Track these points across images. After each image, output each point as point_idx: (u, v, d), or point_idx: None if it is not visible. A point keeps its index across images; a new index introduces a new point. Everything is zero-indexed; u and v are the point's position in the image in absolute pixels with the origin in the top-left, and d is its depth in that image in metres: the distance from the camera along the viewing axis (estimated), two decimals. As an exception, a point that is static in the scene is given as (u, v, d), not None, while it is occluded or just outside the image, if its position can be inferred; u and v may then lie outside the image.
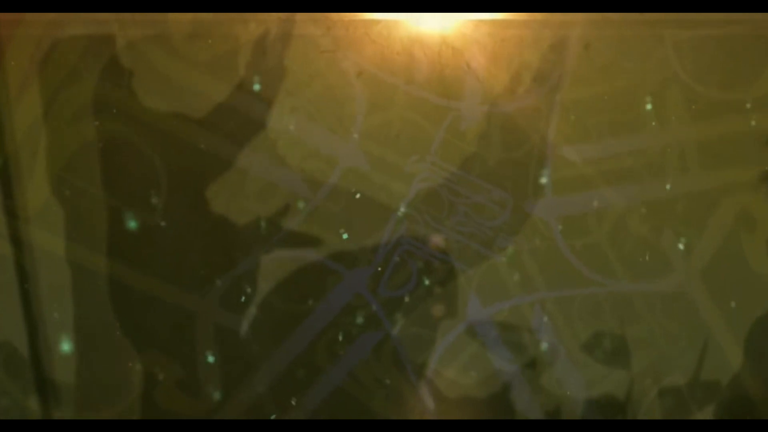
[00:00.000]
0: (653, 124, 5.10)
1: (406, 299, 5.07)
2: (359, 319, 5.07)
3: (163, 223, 5.00)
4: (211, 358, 5.01)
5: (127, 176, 5.00)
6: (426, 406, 5.05)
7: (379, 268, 5.08)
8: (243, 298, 5.04)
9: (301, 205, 5.05)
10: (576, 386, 5.09)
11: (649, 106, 5.10)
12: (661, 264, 5.11)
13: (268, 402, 5.04)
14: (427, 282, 5.08)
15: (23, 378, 5.02)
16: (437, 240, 5.08)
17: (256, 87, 5.00)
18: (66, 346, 5.01)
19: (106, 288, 4.98)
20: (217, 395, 5.02)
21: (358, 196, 5.06)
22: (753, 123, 5.08)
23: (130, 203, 5.00)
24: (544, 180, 5.08)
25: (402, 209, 5.08)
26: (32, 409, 5.02)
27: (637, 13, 4.95)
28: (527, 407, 5.06)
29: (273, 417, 5.02)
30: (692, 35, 5.09)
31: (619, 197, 5.11)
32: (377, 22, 4.99)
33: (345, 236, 5.03)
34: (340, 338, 5.06)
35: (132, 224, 4.99)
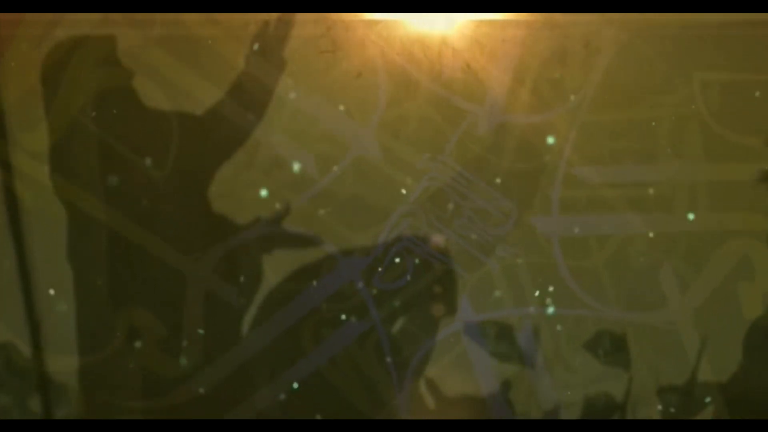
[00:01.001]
0: (669, 158, 5.11)
1: (399, 294, 5.07)
2: (348, 307, 5.07)
3: (169, 180, 5.00)
4: (196, 323, 5.01)
5: (139, 128, 5.01)
6: (400, 402, 5.05)
7: (377, 263, 5.08)
8: (237, 269, 5.04)
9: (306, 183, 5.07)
10: (550, 404, 5.09)
11: (666, 142, 5.12)
12: (655, 297, 5.11)
13: (245, 374, 5.03)
14: (421, 280, 5.08)
15: (25, 377, 5.02)
16: (438, 240, 5.08)
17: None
18: (53, 291, 5.02)
19: (103, 235, 4.98)
20: (196, 361, 5.01)
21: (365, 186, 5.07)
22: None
23: (141, 154, 5.00)
24: (552, 196, 5.09)
25: (407, 205, 5.08)
26: (33, 409, 5.04)
27: (640, 13, 4.94)
28: (503, 412, 5.07)
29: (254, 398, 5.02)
30: (721, 78, 5.10)
31: (623, 225, 5.11)
32: (377, 22, 4.99)
33: (323, 211, 5.03)
34: (327, 322, 5.06)
35: (137, 176, 4.99)
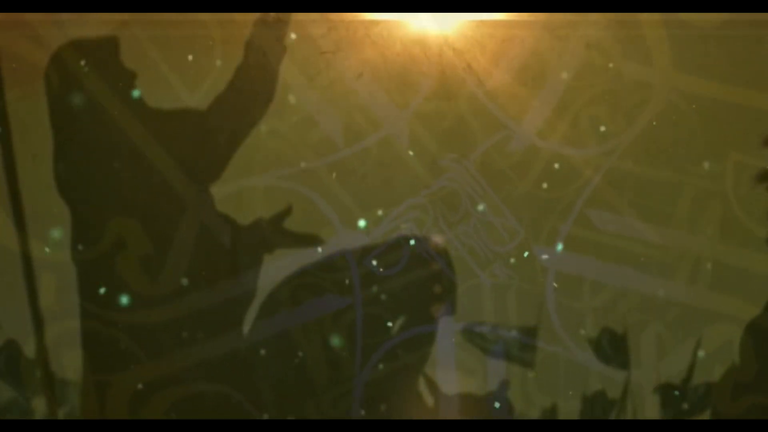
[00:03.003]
0: (683, 226, 5.10)
1: (386, 281, 5.07)
2: (334, 279, 5.06)
3: (199, 106, 5.00)
4: (183, 253, 5.00)
5: (181, 49, 5.01)
6: (355, 385, 5.04)
7: (375, 245, 5.08)
8: (237, 211, 5.04)
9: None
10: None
11: (685, 210, 5.12)
12: (630, 357, 5.10)
13: (215, 315, 5.02)
14: (412, 274, 5.08)
15: (27, 377, 5.03)
16: (439, 240, 5.08)
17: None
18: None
19: (113, 140, 4.98)
20: (172, 287, 5.00)
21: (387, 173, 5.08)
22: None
23: (178, 72, 5.01)
24: (560, 230, 5.09)
25: (419, 197, 5.08)
26: (36, 409, 5.04)
27: (642, 13, 4.94)
28: (453, 414, 5.07)
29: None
30: (755, 164, 5.10)
31: (621, 278, 5.10)
32: (378, 22, 4.99)
33: (336, 179, 5.03)
34: (308, 288, 5.05)
35: (168, 94, 5.00)
